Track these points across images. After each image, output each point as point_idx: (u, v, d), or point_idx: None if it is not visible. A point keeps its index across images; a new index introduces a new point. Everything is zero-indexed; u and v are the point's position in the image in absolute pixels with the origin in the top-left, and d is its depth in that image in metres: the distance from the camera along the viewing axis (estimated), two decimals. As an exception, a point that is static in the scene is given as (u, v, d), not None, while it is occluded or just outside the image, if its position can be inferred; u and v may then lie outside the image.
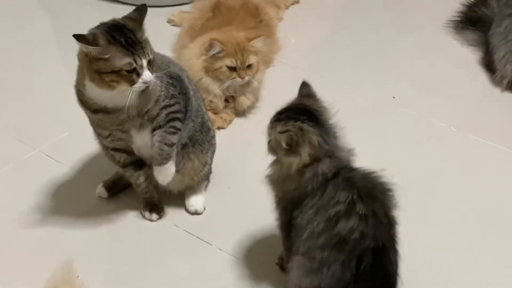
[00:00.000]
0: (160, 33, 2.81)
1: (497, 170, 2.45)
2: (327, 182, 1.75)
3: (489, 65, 2.89)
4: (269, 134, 1.84)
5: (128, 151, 2.12)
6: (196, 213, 2.24)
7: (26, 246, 2.14)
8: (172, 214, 2.25)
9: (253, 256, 2.10)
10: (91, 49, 1.87)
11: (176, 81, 2.08)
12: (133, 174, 2.17)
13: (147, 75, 1.92)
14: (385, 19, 3.36)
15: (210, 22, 2.88)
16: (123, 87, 1.91)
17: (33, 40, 3.08)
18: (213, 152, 2.27)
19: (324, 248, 1.74)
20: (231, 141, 2.54)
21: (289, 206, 1.84)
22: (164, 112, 2.04)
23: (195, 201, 2.25)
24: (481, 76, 2.91)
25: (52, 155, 2.45)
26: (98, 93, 1.95)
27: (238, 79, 2.53)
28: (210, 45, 2.53)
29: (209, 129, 2.25)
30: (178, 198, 2.27)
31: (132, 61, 1.89)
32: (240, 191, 2.31)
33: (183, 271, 2.07)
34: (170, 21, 3.20)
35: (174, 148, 2.12)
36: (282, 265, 2.01)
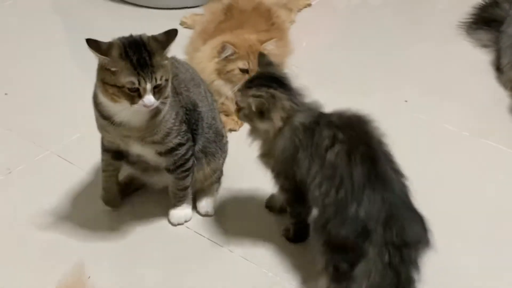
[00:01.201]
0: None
1: (510, 175, 2.44)
2: (313, 131, 1.92)
3: (498, 67, 2.89)
4: (241, 102, 1.97)
5: (119, 146, 2.11)
6: (207, 215, 2.24)
7: (37, 247, 2.14)
8: (184, 216, 2.25)
9: (264, 258, 2.10)
10: (101, 58, 1.88)
11: (191, 112, 2.09)
12: (106, 160, 2.17)
13: (148, 99, 1.89)
14: (396, 23, 3.36)
15: (223, 24, 2.88)
16: (123, 103, 1.90)
17: (46, 43, 3.10)
18: (224, 158, 2.28)
19: (322, 183, 1.89)
20: (243, 142, 2.53)
21: (287, 168, 1.97)
22: (175, 156, 2.07)
23: (206, 203, 2.25)
24: (493, 79, 2.90)
25: (64, 156, 2.46)
26: (104, 101, 1.95)
27: None
28: (223, 48, 2.53)
29: (223, 136, 2.25)
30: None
31: (136, 81, 1.87)
32: (251, 193, 2.31)
33: (194, 273, 2.07)
34: (182, 24, 3.20)
35: (189, 190, 2.18)
36: (288, 236, 2.14)
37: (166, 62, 1.94)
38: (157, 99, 1.91)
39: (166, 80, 1.94)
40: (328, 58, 3.09)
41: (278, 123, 1.94)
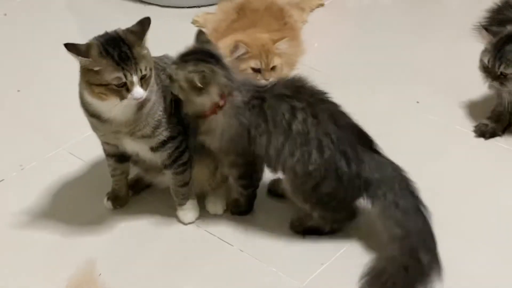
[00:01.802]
0: (184, 34, 2.81)
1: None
2: (260, 108, 2.01)
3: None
4: (176, 74, 1.99)
5: (118, 146, 2.12)
6: (215, 214, 2.25)
7: (48, 243, 2.16)
8: (194, 214, 2.25)
9: (274, 257, 2.10)
10: (81, 60, 1.88)
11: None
12: (112, 164, 2.19)
13: (137, 91, 1.90)
14: (408, 23, 3.34)
15: (235, 24, 2.88)
16: (112, 100, 1.90)
17: (59, 40, 3.07)
18: None
19: (294, 152, 1.98)
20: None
21: (237, 145, 2.04)
22: (168, 150, 2.06)
23: (214, 202, 2.25)
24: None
25: (76, 154, 2.46)
26: (91, 100, 1.96)
27: (263, 81, 2.53)
28: (235, 47, 2.53)
29: None
30: (199, 198, 2.26)
31: (122, 76, 1.88)
32: (261, 192, 2.30)
33: (204, 272, 2.07)
34: (194, 22, 3.20)
35: (191, 186, 2.16)
36: (239, 209, 2.23)
37: (146, 52, 1.95)
38: (145, 89, 1.92)
39: (150, 69, 1.94)
40: (339, 58, 3.08)
41: (215, 97, 1.99)
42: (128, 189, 2.27)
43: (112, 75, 1.88)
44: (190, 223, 2.20)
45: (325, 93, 2.10)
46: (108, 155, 2.19)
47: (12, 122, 2.67)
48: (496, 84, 2.46)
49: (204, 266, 2.08)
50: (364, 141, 2.06)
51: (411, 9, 3.46)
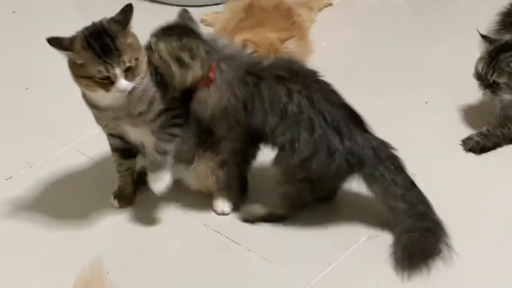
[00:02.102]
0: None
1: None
2: (257, 86, 2.04)
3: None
4: (156, 46, 2.01)
5: (122, 138, 2.12)
6: (223, 213, 2.25)
7: (56, 241, 2.16)
8: (201, 213, 2.25)
9: (282, 257, 2.09)
10: (65, 54, 1.88)
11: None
12: (117, 160, 2.20)
13: (121, 84, 1.89)
14: (418, 23, 3.35)
15: (243, 22, 2.87)
16: (99, 92, 1.91)
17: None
18: None
19: (285, 131, 2.03)
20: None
21: (231, 117, 2.07)
22: (164, 117, 2.04)
23: (222, 202, 2.25)
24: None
25: (83, 151, 2.46)
26: (84, 91, 1.98)
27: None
28: (243, 46, 2.52)
29: None
30: (207, 197, 2.27)
31: (103, 70, 1.87)
32: (269, 191, 2.29)
33: (211, 271, 2.06)
34: (203, 21, 3.20)
35: (167, 158, 2.10)
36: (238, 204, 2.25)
37: (131, 40, 1.94)
38: (131, 80, 1.92)
39: (136, 59, 1.93)
40: (347, 57, 3.08)
41: (198, 71, 2.02)
42: (134, 188, 2.26)
43: (94, 69, 1.87)
44: (159, 193, 2.12)
45: (318, 72, 2.16)
46: (114, 149, 2.19)
47: (20, 119, 2.67)
48: (488, 92, 2.46)
49: (211, 265, 2.08)
50: (356, 120, 2.10)
51: (420, 10, 3.45)
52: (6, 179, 2.39)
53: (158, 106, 2.03)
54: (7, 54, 3.08)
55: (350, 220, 2.20)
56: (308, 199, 2.16)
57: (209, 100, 2.07)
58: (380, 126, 2.57)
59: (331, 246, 2.13)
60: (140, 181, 2.28)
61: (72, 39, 1.90)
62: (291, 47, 2.58)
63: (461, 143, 2.52)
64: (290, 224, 2.20)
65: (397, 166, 2.10)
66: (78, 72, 1.90)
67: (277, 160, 2.12)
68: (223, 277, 2.05)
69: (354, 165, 2.06)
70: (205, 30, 3.03)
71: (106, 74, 1.87)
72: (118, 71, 1.88)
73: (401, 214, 2.08)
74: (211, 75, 2.05)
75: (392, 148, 2.13)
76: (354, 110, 2.12)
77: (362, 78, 2.91)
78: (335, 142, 2.03)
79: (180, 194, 2.28)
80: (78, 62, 1.88)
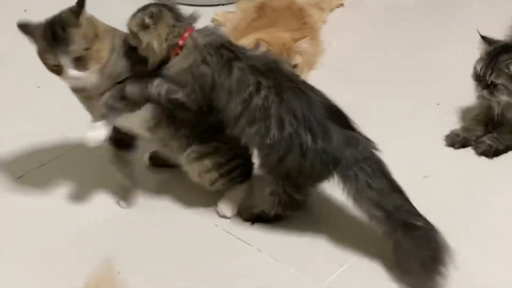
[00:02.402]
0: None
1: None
2: (231, 61, 2.02)
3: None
4: (130, 26, 2.05)
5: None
6: (224, 216, 2.24)
7: (67, 240, 2.16)
8: (212, 213, 2.25)
9: (293, 258, 2.09)
10: (30, 39, 1.97)
11: None
12: (111, 149, 2.24)
13: (69, 73, 1.95)
14: (429, 24, 3.33)
15: (255, 22, 2.87)
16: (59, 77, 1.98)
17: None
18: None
19: (253, 123, 2.02)
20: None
21: (196, 86, 2.03)
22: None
23: (225, 205, 2.24)
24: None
25: (95, 150, 2.44)
26: None
27: None
28: (256, 45, 2.52)
29: None
30: (216, 199, 2.27)
31: (51, 58, 1.93)
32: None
33: (222, 271, 2.07)
34: (214, 21, 3.20)
35: (112, 115, 2.08)
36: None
37: (84, 30, 1.96)
38: (82, 69, 1.95)
39: (87, 49, 1.95)
40: (358, 58, 3.07)
41: (165, 36, 2.01)
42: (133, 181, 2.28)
43: (45, 56, 1.94)
44: (90, 141, 2.08)
45: (296, 75, 2.14)
46: (108, 139, 2.18)
47: (31, 118, 2.68)
48: (486, 93, 2.45)
49: (222, 265, 2.08)
50: (336, 118, 2.05)
51: (432, 11, 3.44)
52: (18, 178, 2.39)
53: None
54: (18, 52, 3.08)
55: (362, 221, 2.19)
56: (297, 197, 2.12)
57: (176, 64, 2.05)
58: (391, 128, 2.58)
59: (343, 248, 2.12)
60: (155, 164, 2.34)
61: (35, 27, 1.96)
62: (303, 47, 2.57)
63: (473, 147, 2.50)
64: (301, 224, 2.19)
65: (376, 169, 2.01)
66: (41, 58, 1.97)
67: (259, 159, 2.13)
68: (234, 278, 2.04)
69: (329, 164, 2.02)
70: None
71: (55, 62, 1.93)
72: (65, 60, 1.92)
73: (380, 224, 2.00)
74: (181, 42, 2.04)
75: (376, 148, 2.06)
76: (335, 107, 2.07)
77: (373, 79, 2.90)
78: (307, 140, 2.00)
79: (191, 194, 2.29)
80: (39, 49, 1.95)
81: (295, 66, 2.53)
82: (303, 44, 2.57)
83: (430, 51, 3.10)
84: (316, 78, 2.83)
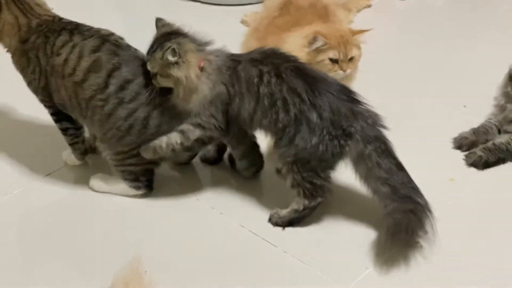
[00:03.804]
0: (233, 32, 2.83)
1: None
2: (235, 70, 2.10)
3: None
4: (153, 68, 2.09)
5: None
6: (92, 188, 2.32)
7: (94, 240, 2.18)
8: (238, 214, 2.25)
9: (318, 260, 2.09)
10: None
11: None
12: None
13: None
14: (457, 24, 3.32)
15: (277, 20, 2.86)
16: None
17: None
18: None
19: (266, 114, 2.07)
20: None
21: (217, 106, 2.11)
22: None
23: (97, 180, 2.33)
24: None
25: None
26: None
27: (340, 72, 2.46)
28: (314, 39, 2.49)
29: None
30: (242, 199, 2.29)
31: None
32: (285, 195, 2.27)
33: (247, 272, 2.07)
34: (243, 22, 3.19)
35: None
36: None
37: None
38: None
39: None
40: (385, 59, 3.06)
41: (193, 61, 2.07)
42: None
43: None
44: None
45: (294, 57, 2.16)
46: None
47: (44, 119, 2.68)
48: None
49: (247, 266, 2.09)
50: (340, 91, 2.08)
51: (459, 11, 3.42)
52: (46, 175, 2.41)
53: None
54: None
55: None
56: (318, 182, 2.12)
57: (200, 92, 2.11)
58: (417, 128, 2.57)
59: (368, 250, 2.12)
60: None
61: None
62: (360, 40, 2.54)
63: (464, 157, 2.48)
64: (327, 226, 2.20)
65: (384, 149, 2.07)
66: None
67: (274, 147, 2.16)
68: (259, 279, 2.05)
69: (340, 138, 2.04)
70: (244, 30, 3.06)
71: None
72: None
73: (385, 198, 2.07)
74: (201, 64, 2.09)
75: (383, 126, 2.09)
76: (337, 83, 2.11)
77: (398, 80, 2.89)
78: (313, 116, 2.03)
79: (217, 195, 2.30)
80: None
81: (351, 59, 2.48)
82: (361, 38, 2.54)
83: (458, 52, 3.08)
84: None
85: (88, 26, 2.23)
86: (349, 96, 2.09)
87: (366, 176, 2.09)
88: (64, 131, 2.36)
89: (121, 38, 2.23)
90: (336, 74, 2.45)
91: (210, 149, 2.42)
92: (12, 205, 2.29)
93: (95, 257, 2.11)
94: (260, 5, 3.25)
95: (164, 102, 2.14)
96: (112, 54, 2.15)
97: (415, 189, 2.09)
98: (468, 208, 2.25)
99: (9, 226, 2.23)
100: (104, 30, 2.22)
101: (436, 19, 3.36)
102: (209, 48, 2.14)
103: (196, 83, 2.09)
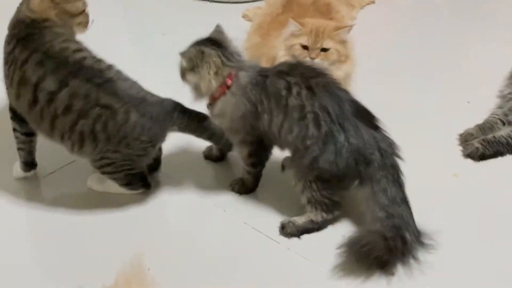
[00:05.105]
0: (235, 29, 2.83)
1: None
2: (263, 85, 2.08)
3: None
4: (179, 62, 2.14)
5: None
6: (90, 187, 2.32)
7: (96, 237, 2.18)
8: (241, 211, 2.25)
9: (322, 257, 2.08)
10: None
11: None
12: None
13: None
14: (461, 21, 3.32)
15: (280, 17, 2.86)
16: None
17: (111, 37, 3.10)
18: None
19: (292, 128, 2.04)
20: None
21: (246, 123, 2.12)
22: None
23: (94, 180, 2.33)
24: None
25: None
26: None
27: (308, 59, 2.49)
28: (290, 24, 2.53)
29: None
30: (245, 197, 2.29)
31: None
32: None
33: (251, 268, 2.07)
34: (244, 16, 3.20)
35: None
36: (242, 188, 2.30)
37: None
38: None
39: None
40: (389, 56, 3.07)
41: (206, 75, 2.10)
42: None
43: None
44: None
45: (321, 68, 2.17)
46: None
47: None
48: None
49: (251, 263, 2.09)
50: (364, 117, 2.07)
51: (463, 9, 3.42)
52: (49, 174, 2.41)
53: None
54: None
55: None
56: (336, 198, 2.12)
57: (228, 110, 2.13)
58: (421, 125, 2.57)
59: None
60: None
61: None
62: (342, 36, 2.52)
63: (461, 148, 2.48)
64: (330, 223, 2.19)
65: (395, 179, 2.05)
66: None
67: (290, 163, 2.14)
68: (263, 275, 2.05)
69: (361, 164, 2.04)
70: (246, 25, 3.06)
71: None
72: None
73: (376, 220, 2.03)
74: (228, 81, 2.10)
75: (398, 155, 2.08)
76: (362, 106, 2.09)
77: (403, 77, 2.89)
78: (341, 139, 2.01)
79: (220, 192, 2.30)
80: None
81: (325, 50, 2.49)
82: (343, 33, 2.53)
83: (461, 48, 3.08)
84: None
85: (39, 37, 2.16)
86: (372, 122, 2.07)
87: (368, 196, 2.07)
88: (13, 131, 2.31)
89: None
90: (306, 61, 2.47)
91: (213, 147, 2.41)
92: (12, 206, 2.29)
93: (97, 255, 2.11)
94: (261, 1, 3.27)
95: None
96: (39, 65, 2.10)
97: (410, 224, 2.03)
98: (472, 204, 2.24)
99: (10, 226, 2.23)
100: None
101: (439, 15, 3.36)
102: (240, 62, 2.15)
103: (217, 99, 2.12)
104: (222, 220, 2.23)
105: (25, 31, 2.14)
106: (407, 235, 1.99)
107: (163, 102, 2.18)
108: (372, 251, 1.98)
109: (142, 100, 2.13)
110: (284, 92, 2.05)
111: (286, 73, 2.08)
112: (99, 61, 2.15)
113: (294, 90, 2.04)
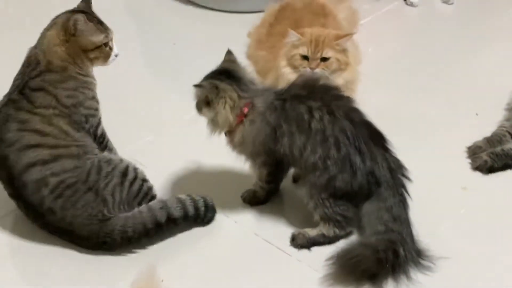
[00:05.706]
0: (237, 40, 2.84)
1: None
2: (283, 109, 2.10)
3: None
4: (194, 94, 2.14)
5: None
6: None
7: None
8: (252, 222, 2.27)
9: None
10: None
11: None
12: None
13: None
14: (467, 32, 3.31)
15: (276, 27, 2.84)
16: None
17: (120, 44, 3.11)
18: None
19: (316, 149, 2.06)
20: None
21: (266, 147, 2.13)
22: None
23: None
24: None
25: (137, 158, 2.47)
26: None
27: (308, 69, 2.51)
28: (289, 34, 2.55)
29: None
30: (256, 208, 2.31)
31: None
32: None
33: (262, 280, 2.08)
34: (249, 35, 3.15)
35: None
36: (253, 199, 2.32)
37: None
38: None
39: None
40: (396, 65, 3.06)
41: (222, 111, 2.11)
42: None
43: None
44: None
45: (338, 89, 2.20)
46: None
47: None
48: None
49: (262, 275, 2.10)
50: (376, 139, 2.11)
51: (471, 19, 3.42)
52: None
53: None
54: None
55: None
56: (349, 215, 2.13)
57: (248, 138, 2.15)
58: (428, 136, 2.57)
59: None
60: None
61: None
62: (343, 45, 2.53)
63: (470, 161, 2.49)
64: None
65: (401, 201, 2.10)
66: None
67: (303, 181, 2.16)
68: (273, 287, 2.06)
69: (372, 185, 2.08)
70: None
71: None
72: None
73: (374, 234, 2.08)
74: (245, 110, 2.12)
75: (407, 176, 2.12)
76: (375, 128, 2.13)
77: (411, 87, 2.89)
78: (357, 161, 2.06)
79: (231, 204, 2.31)
80: None
81: (325, 59, 2.50)
82: (344, 42, 2.54)
83: (469, 59, 3.08)
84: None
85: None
86: (384, 145, 2.11)
87: (370, 212, 2.11)
88: None
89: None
90: (305, 71, 2.51)
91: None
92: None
93: (110, 267, 2.11)
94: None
95: None
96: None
97: (406, 242, 2.05)
98: (481, 217, 2.26)
99: (17, 231, 2.23)
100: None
101: (447, 26, 3.36)
102: (255, 91, 2.16)
103: (236, 128, 2.15)
104: (233, 232, 2.24)
105: None
106: (401, 250, 2.02)
107: None
108: (361, 263, 2.01)
109: None
110: (306, 117, 2.08)
111: (306, 97, 2.11)
112: None
113: (317, 114, 2.07)
